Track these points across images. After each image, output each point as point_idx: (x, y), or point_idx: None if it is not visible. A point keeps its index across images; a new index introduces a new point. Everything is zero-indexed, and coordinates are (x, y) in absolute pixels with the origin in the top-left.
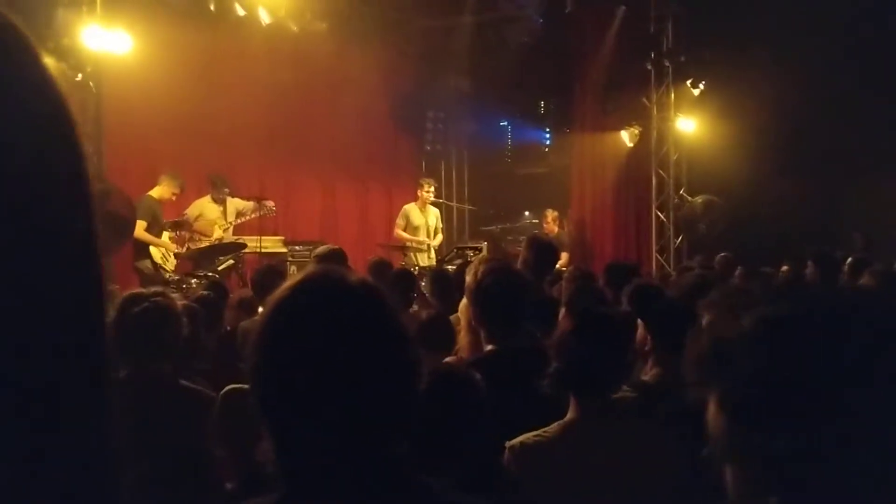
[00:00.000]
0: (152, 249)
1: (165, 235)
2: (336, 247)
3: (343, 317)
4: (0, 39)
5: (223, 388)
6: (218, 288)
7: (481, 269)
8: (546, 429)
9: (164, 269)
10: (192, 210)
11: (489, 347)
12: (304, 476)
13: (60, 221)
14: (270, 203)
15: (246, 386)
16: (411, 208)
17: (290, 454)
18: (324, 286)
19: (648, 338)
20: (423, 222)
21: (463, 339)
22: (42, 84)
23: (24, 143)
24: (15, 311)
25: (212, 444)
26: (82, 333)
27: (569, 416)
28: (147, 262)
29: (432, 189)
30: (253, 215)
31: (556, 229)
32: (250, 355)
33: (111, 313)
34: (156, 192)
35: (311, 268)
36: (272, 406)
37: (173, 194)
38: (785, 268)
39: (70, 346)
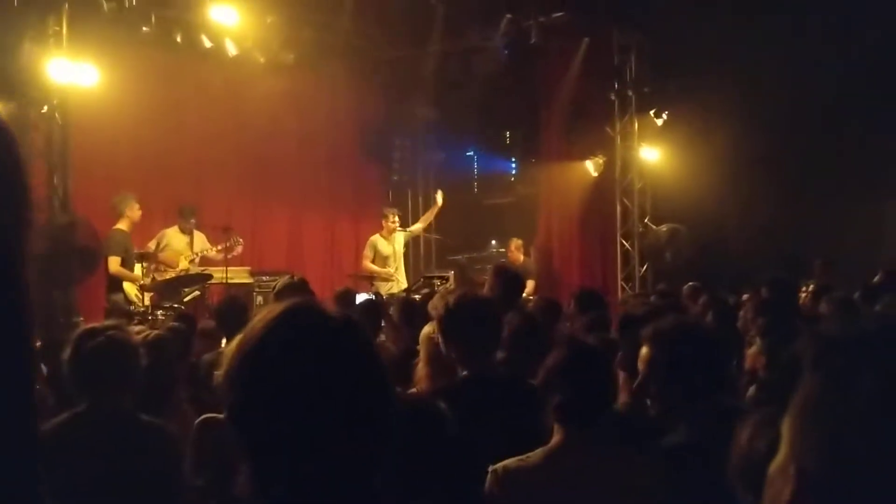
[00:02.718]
0: (126, 284)
1: (137, 268)
2: (297, 279)
3: (327, 349)
4: None
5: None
6: (187, 319)
7: (450, 298)
8: (529, 454)
9: (138, 304)
10: (159, 239)
11: (463, 374)
12: None
13: None
14: (239, 246)
15: (220, 415)
16: (377, 239)
17: (270, 486)
18: (306, 319)
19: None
20: (391, 251)
21: (421, 370)
22: None
23: None
24: None
25: (190, 474)
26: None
27: (553, 441)
28: (120, 297)
29: (397, 219)
30: (219, 256)
31: (521, 258)
32: (229, 386)
33: (67, 348)
34: (124, 224)
35: (290, 300)
36: (253, 437)
37: (138, 216)
38: (746, 296)
39: None
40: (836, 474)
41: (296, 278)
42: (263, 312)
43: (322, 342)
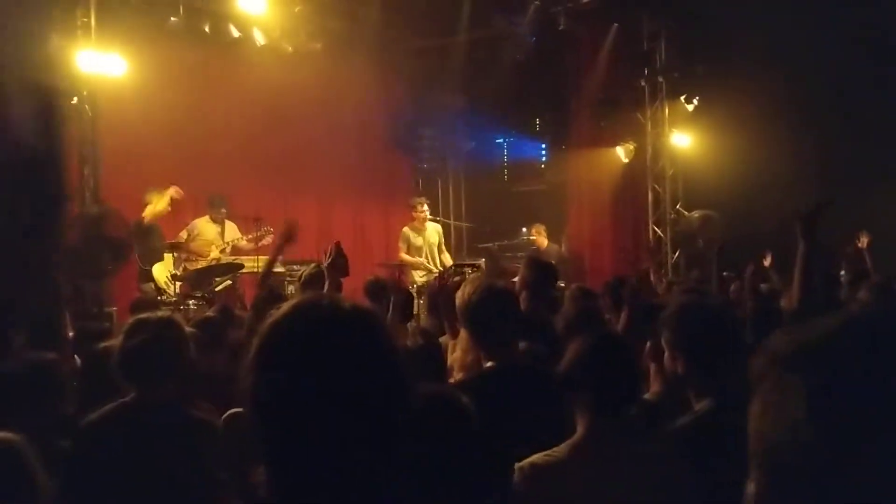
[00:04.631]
0: (156, 273)
1: (168, 258)
2: (321, 268)
3: (334, 343)
4: None
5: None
6: (224, 310)
7: (468, 289)
8: (555, 448)
9: (167, 292)
10: (190, 229)
11: (488, 364)
12: (298, 500)
13: None
14: (270, 235)
15: None
16: (408, 231)
17: (282, 478)
18: (316, 313)
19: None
20: (422, 242)
21: (465, 357)
22: None
23: None
24: None
25: (216, 468)
26: None
27: (578, 434)
28: (150, 286)
29: (426, 208)
30: (250, 245)
31: (544, 242)
32: (244, 379)
33: (118, 337)
34: (148, 213)
35: (303, 294)
36: (265, 429)
37: (168, 205)
38: None
39: None
40: (776, 491)
41: (323, 266)
42: (283, 306)
43: (327, 335)
